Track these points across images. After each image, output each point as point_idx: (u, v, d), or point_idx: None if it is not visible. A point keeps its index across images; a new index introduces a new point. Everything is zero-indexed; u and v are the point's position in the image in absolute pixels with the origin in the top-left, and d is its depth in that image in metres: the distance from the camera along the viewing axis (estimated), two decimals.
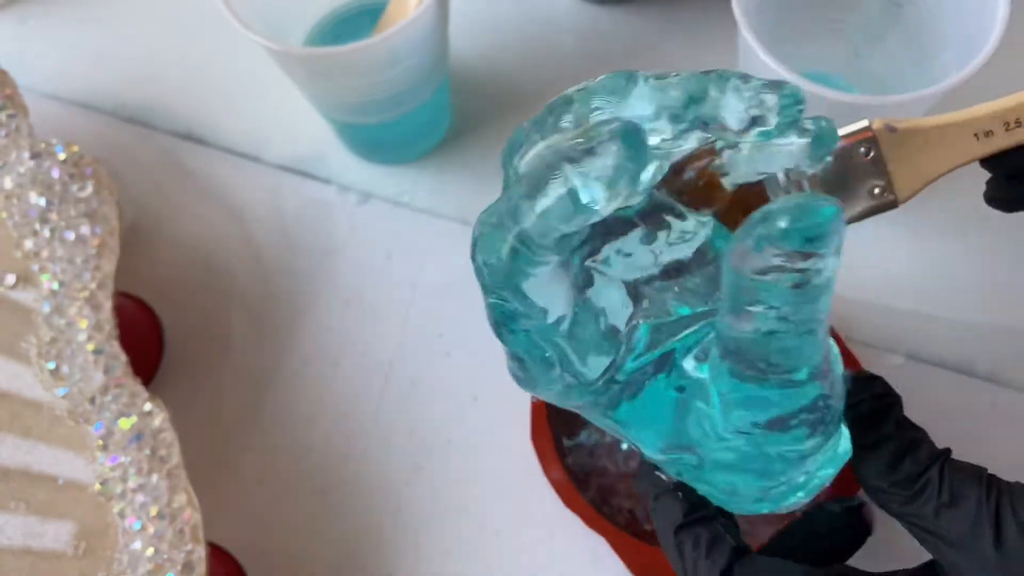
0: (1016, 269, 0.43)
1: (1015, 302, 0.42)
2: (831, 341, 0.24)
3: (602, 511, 0.37)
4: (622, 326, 0.25)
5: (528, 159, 0.23)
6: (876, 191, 0.28)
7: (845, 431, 0.26)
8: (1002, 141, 0.27)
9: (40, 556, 0.35)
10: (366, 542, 0.40)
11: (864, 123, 0.27)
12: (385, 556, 0.40)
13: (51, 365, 0.36)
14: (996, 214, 0.30)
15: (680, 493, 0.27)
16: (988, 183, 0.29)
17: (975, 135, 0.27)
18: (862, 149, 0.27)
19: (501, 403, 0.42)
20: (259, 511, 0.41)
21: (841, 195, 0.28)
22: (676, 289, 0.25)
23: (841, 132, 0.27)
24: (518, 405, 0.40)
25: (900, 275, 0.43)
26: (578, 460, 0.39)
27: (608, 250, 0.25)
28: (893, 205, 0.28)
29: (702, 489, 0.26)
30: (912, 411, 0.40)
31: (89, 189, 0.39)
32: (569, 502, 0.37)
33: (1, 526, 0.36)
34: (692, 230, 0.26)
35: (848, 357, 0.39)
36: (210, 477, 0.40)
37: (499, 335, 0.25)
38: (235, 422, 0.43)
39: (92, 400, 0.35)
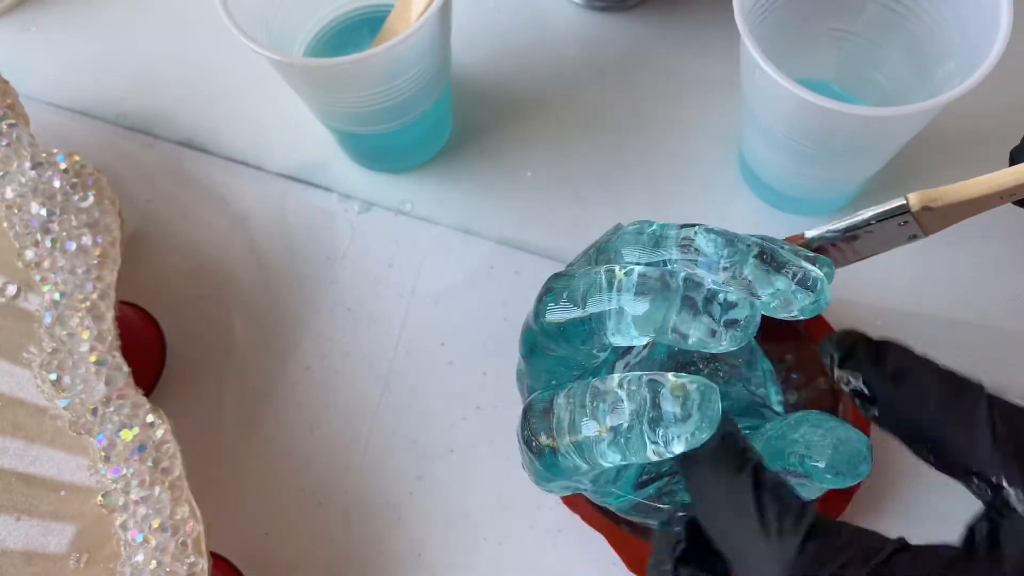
0: (1020, 275, 0.43)
1: (1019, 309, 0.42)
2: None
3: (601, 509, 0.37)
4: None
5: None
6: (910, 237, 0.31)
7: None
8: (1020, 194, 0.30)
9: (42, 567, 0.35)
10: (368, 553, 0.40)
11: (901, 201, 0.30)
12: (387, 567, 0.40)
13: (53, 376, 0.36)
14: (1001, 221, 0.32)
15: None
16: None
17: (1000, 196, 0.30)
18: (899, 224, 0.31)
19: (503, 412, 0.42)
20: (261, 521, 0.41)
21: (882, 247, 0.32)
22: None
23: (880, 209, 0.31)
24: (519, 415, 0.40)
25: (902, 281, 0.43)
26: None
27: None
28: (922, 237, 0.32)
29: None
30: None
31: (90, 199, 0.39)
32: (568, 501, 0.37)
33: (3, 536, 0.36)
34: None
35: None
36: (212, 487, 0.40)
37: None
38: (237, 431, 0.42)
39: (94, 411, 0.35)
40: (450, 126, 0.48)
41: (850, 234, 0.32)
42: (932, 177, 0.45)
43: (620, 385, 0.25)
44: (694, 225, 0.27)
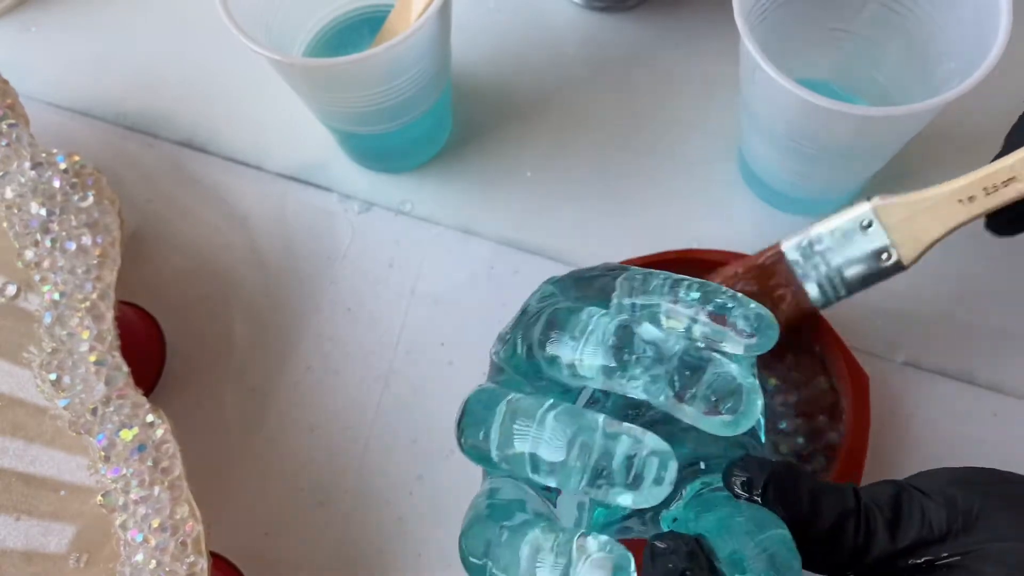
0: (1019, 276, 0.43)
1: (1018, 309, 0.42)
2: None
3: None
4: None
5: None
6: (884, 257, 0.32)
7: None
8: (984, 203, 0.31)
9: (42, 567, 0.35)
10: (368, 552, 0.40)
11: (867, 206, 0.32)
12: (387, 567, 0.40)
13: (53, 376, 0.36)
14: None
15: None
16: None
17: (959, 201, 0.31)
18: (864, 223, 0.32)
19: None
20: (261, 521, 0.41)
21: (856, 263, 0.33)
22: None
23: (844, 214, 0.32)
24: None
25: (902, 281, 0.43)
26: None
27: None
28: (902, 268, 0.33)
29: None
30: (912, 420, 0.40)
31: (90, 199, 0.39)
32: None
33: (3, 536, 0.36)
34: None
35: (852, 364, 0.39)
36: (212, 487, 0.40)
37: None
38: (237, 431, 0.42)
39: (94, 411, 0.35)
40: (450, 126, 0.48)
41: (820, 245, 0.33)
42: (932, 177, 0.45)
43: (549, 548, 0.24)
44: (637, 312, 0.26)
